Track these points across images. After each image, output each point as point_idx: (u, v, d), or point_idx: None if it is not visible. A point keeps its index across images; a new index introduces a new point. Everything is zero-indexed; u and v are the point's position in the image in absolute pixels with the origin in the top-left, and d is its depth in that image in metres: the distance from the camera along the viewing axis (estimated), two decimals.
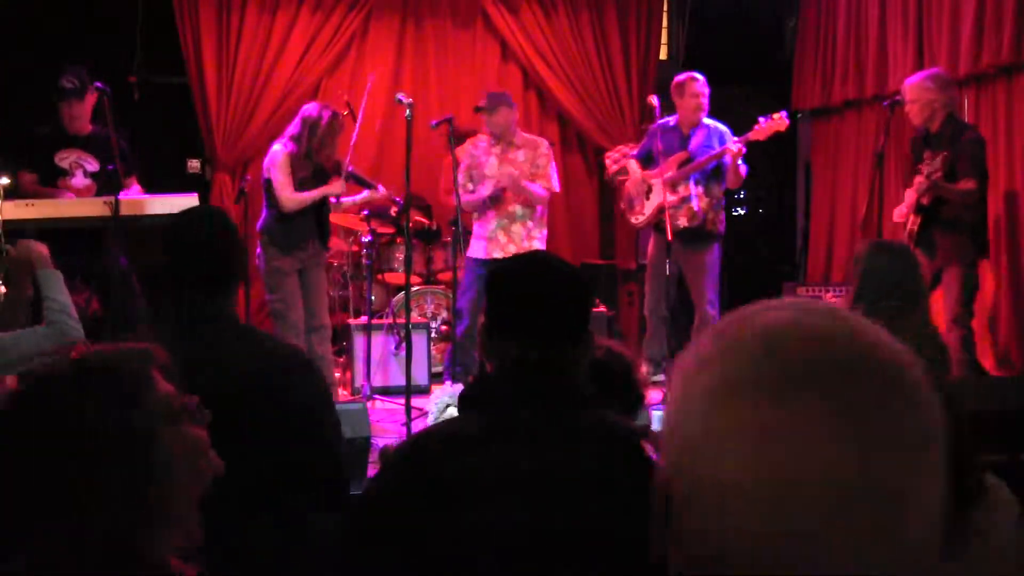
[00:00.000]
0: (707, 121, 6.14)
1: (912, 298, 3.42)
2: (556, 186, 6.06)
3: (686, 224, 6.01)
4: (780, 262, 8.24)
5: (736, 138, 5.99)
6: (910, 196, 5.26)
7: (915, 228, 5.20)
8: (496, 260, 5.83)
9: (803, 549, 0.74)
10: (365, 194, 5.83)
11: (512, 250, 5.85)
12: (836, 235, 7.53)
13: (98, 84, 5.11)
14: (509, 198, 5.93)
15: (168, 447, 1.33)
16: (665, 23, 8.20)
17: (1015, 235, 5.84)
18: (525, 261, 1.98)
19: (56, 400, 1.30)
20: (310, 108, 5.57)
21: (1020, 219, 5.82)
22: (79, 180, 5.35)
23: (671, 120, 6.18)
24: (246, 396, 2.30)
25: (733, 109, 6.35)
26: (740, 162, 5.96)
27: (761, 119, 5.93)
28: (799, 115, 8.20)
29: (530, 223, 5.96)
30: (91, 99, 5.34)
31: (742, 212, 8.35)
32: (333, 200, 5.61)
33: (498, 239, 5.91)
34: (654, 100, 6.09)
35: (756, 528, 0.75)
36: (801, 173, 8.30)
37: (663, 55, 8.19)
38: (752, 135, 5.91)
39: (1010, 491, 2.20)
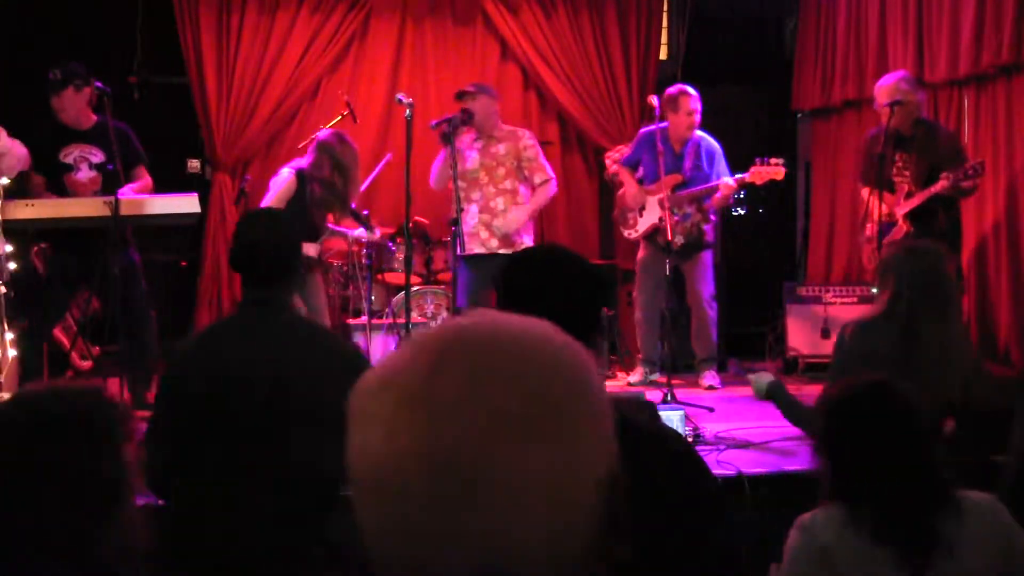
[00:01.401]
0: (697, 133, 6.11)
1: (951, 296, 3.41)
2: (550, 171, 6.02)
3: (682, 241, 6.06)
4: (780, 262, 8.24)
5: (732, 176, 5.94)
6: (901, 201, 5.33)
7: (911, 231, 5.29)
8: (478, 256, 5.81)
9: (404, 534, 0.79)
10: (361, 232, 5.81)
11: (494, 245, 5.84)
12: (836, 235, 7.53)
13: (98, 84, 5.09)
14: (487, 184, 5.89)
15: (127, 478, 1.55)
16: (665, 23, 8.20)
17: (1015, 235, 5.84)
18: (538, 255, 1.96)
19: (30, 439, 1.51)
20: (329, 138, 5.47)
21: (1020, 219, 5.83)
22: (84, 173, 5.31)
23: (657, 130, 6.10)
24: (311, 387, 2.50)
25: (733, 109, 6.35)
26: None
27: (758, 160, 5.89)
28: (799, 115, 8.20)
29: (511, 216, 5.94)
30: (74, 93, 5.26)
31: (742, 212, 8.35)
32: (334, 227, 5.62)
33: (479, 235, 5.89)
34: (654, 100, 6.07)
35: (367, 512, 0.82)
36: (801, 173, 8.30)
37: (663, 55, 8.18)
38: (749, 177, 5.88)
39: (993, 500, 2.18)
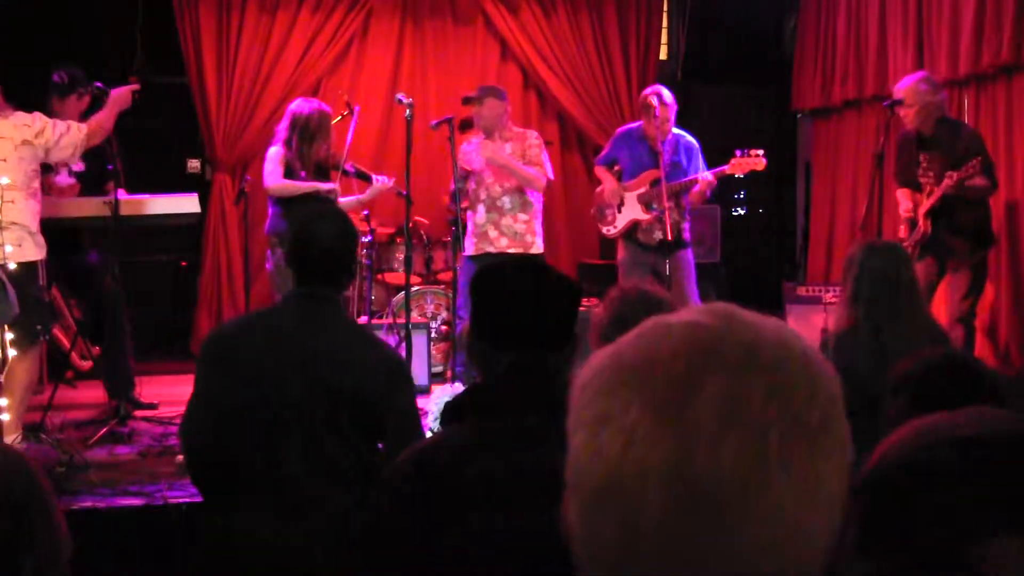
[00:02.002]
0: (674, 131, 6.10)
1: (908, 295, 3.43)
2: (549, 171, 5.94)
3: (660, 238, 6.01)
4: (780, 262, 8.25)
5: (709, 170, 5.92)
6: (924, 201, 5.28)
7: (928, 231, 5.24)
8: (488, 255, 5.77)
9: (636, 543, 0.75)
10: (372, 188, 5.77)
11: (503, 244, 5.80)
12: (836, 235, 7.53)
13: (98, 84, 5.08)
14: (493, 184, 5.87)
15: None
16: (665, 23, 8.20)
17: (1015, 236, 5.85)
18: (510, 266, 1.98)
19: None
20: (295, 106, 5.55)
21: (1020, 220, 5.83)
22: (63, 178, 5.26)
23: (635, 128, 6.10)
24: (363, 388, 2.55)
25: (733, 109, 6.34)
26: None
27: (738, 152, 5.88)
28: (799, 115, 8.20)
29: (522, 216, 5.90)
30: (76, 100, 5.22)
31: (742, 212, 8.35)
32: (343, 199, 5.60)
33: (487, 234, 5.86)
34: (653, 100, 6.07)
35: (591, 520, 0.77)
36: (801, 173, 8.30)
37: (663, 55, 8.19)
38: (729, 169, 5.85)
39: None
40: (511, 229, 5.84)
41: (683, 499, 0.73)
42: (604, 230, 6.32)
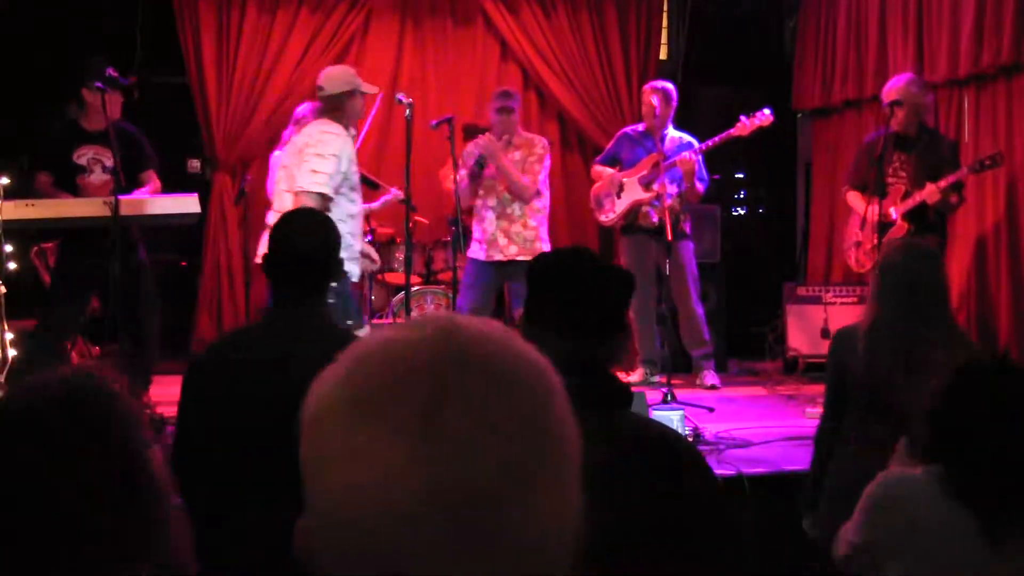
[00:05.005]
0: (674, 133, 6.14)
1: (936, 297, 3.34)
2: (541, 184, 5.92)
3: (656, 221, 6.03)
4: (780, 262, 8.24)
5: (701, 144, 6.01)
6: (907, 201, 5.39)
7: (912, 228, 5.38)
8: (498, 263, 5.81)
9: (396, 567, 0.74)
10: (387, 198, 5.82)
11: (513, 251, 5.83)
12: (836, 235, 7.52)
13: (98, 84, 5.07)
14: (504, 191, 5.88)
15: (151, 466, 1.32)
16: (665, 23, 8.20)
17: (1015, 235, 5.85)
18: (569, 255, 2.00)
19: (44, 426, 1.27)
20: (301, 109, 5.54)
21: (1020, 219, 5.83)
22: (97, 176, 5.22)
23: (639, 127, 6.24)
24: None
25: (733, 109, 6.32)
26: (699, 181, 6.02)
27: (742, 117, 5.93)
28: (799, 115, 8.20)
29: (531, 222, 5.90)
30: (117, 96, 5.24)
31: (742, 212, 8.34)
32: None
33: (498, 242, 5.87)
34: (654, 100, 6.08)
35: (354, 551, 0.75)
36: (801, 173, 8.30)
37: (663, 55, 8.19)
38: (735, 132, 5.93)
39: None
40: (520, 236, 5.87)
41: (447, 520, 0.73)
42: (602, 218, 6.37)
